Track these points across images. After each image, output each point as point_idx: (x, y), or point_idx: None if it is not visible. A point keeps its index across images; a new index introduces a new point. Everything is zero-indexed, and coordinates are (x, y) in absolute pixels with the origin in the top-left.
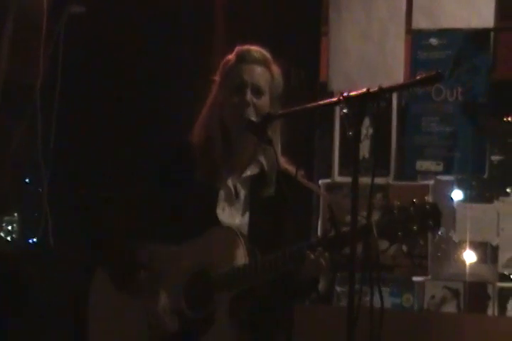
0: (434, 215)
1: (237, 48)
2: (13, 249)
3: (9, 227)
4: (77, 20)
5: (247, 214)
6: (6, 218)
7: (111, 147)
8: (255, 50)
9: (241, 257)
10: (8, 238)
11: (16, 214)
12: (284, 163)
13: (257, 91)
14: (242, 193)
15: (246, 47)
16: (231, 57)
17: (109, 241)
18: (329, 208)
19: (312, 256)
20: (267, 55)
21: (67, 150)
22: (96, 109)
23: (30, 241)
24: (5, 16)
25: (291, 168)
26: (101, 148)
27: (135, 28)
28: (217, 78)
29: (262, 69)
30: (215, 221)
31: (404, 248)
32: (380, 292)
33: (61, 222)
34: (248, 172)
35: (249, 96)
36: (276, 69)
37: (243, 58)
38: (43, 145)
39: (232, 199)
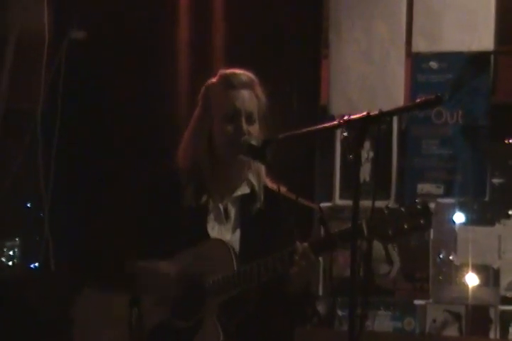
0: (425, 214)
1: (221, 72)
2: (15, 274)
3: (10, 252)
4: (78, 46)
5: (238, 232)
6: (8, 243)
7: (111, 171)
8: (241, 73)
9: (231, 266)
10: (10, 263)
11: (17, 239)
12: (269, 181)
13: (250, 118)
14: (233, 212)
15: (230, 71)
16: (214, 81)
17: (101, 256)
18: (319, 210)
19: (297, 257)
20: (253, 77)
21: (68, 175)
22: (96, 133)
23: (32, 266)
24: (6, 41)
25: (275, 186)
26: (101, 172)
27: (135, 54)
28: (200, 101)
29: (250, 92)
30: (206, 238)
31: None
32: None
33: (62, 246)
34: (239, 192)
35: (244, 125)
36: (259, 89)
37: (230, 83)
38: (44, 170)
39: (221, 219)
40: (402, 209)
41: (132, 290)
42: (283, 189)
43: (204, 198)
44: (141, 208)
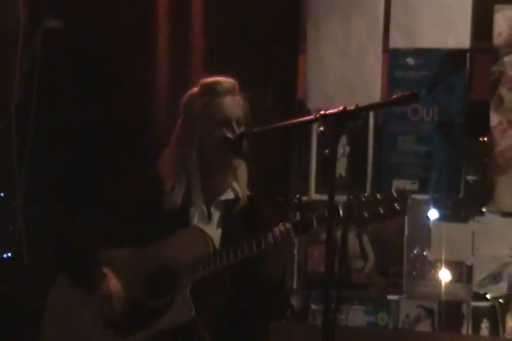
0: (401, 200)
1: (203, 81)
2: None
3: None
4: (53, 35)
5: (220, 230)
6: None
7: (86, 161)
8: (224, 80)
9: (207, 250)
10: None
11: None
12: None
13: (239, 123)
14: (216, 215)
15: (212, 79)
16: (197, 90)
17: (73, 246)
18: (297, 196)
19: (277, 232)
20: (234, 83)
21: (43, 165)
22: (72, 123)
23: (5, 255)
24: None
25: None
26: (76, 162)
27: (111, 44)
28: (182, 111)
29: (234, 98)
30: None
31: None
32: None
33: (36, 236)
34: (223, 198)
35: (236, 130)
36: (241, 94)
37: (216, 91)
38: (18, 159)
39: (205, 219)
40: (378, 195)
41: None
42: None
43: (188, 200)
44: (121, 205)
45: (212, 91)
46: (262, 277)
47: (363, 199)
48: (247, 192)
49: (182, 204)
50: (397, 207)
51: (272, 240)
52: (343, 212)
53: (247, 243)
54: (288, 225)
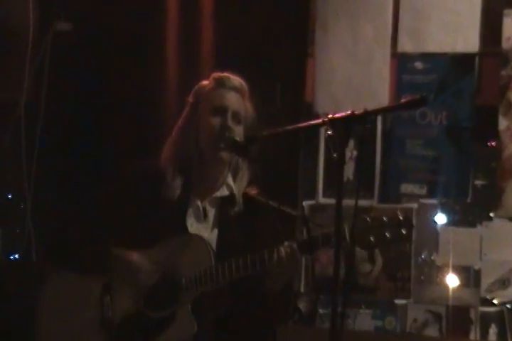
0: (407, 225)
1: (215, 74)
2: None
3: None
4: (63, 37)
5: (216, 231)
6: None
7: (94, 162)
8: (234, 78)
9: (209, 262)
10: None
11: None
12: (252, 190)
13: (236, 118)
14: (211, 213)
15: (224, 74)
16: (207, 82)
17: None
18: (302, 212)
19: (283, 252)
20: (244, 85)
21: (51, 166)
22: (80, 125)
23: (12, 257)
24: None
25: (257, 194)
26: (84, 163)
27: (121, 47)
28: (190, 100)
29: (239, 96)
30: (185, 232)
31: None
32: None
33: (44, 238)
34: (218, 194)
35: (230, 121)
36: (249, 101)
37: (222, 83)
38: (27, 160)
39: (200, 217)
40: (385, 218)
41: (105, 276)
42: (265, 197)
43: (186, 194)
44: (121, 198)
45: (219, 83)
46: (263, 293)
47: (369, 221)
48: (247, 191)
49: (179, 198)
50: (404, 232)
51: (276, 260)
52: (349, 236)
53: (251, 259)
54: (294, 246)
